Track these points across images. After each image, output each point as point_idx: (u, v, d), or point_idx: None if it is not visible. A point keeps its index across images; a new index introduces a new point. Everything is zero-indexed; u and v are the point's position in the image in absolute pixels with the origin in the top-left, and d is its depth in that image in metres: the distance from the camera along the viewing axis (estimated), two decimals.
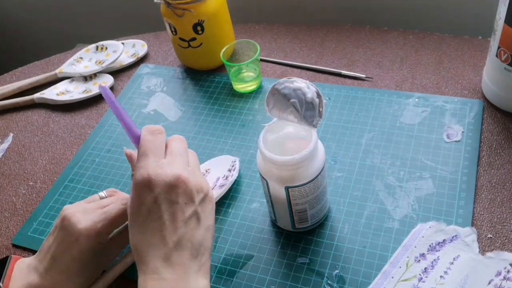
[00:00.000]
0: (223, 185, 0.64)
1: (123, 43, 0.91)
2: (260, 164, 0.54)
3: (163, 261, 0.45)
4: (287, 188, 0.53)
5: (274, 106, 0.52)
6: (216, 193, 0.63)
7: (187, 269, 0.45)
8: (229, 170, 0.66)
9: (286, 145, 0.55)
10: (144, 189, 0.46)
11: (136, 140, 0.50)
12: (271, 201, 0.57)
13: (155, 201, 0.46)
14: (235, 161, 0.67)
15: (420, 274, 0.53)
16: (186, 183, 0.47)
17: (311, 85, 0.51)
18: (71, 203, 0.69)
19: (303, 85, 0.51)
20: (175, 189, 0.46)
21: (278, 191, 0.54)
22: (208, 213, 0.49)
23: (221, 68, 0.85)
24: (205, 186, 0.49)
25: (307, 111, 0.51)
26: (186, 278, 0.45)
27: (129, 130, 0.50)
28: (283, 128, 0.55)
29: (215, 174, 0.67)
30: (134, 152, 0.54)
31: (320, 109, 0.51)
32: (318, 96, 0.51)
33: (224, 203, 0.65)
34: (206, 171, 0.67)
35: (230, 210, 0.64)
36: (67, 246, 0.53)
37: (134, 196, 0.47)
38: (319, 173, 0.53)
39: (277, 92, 0.52)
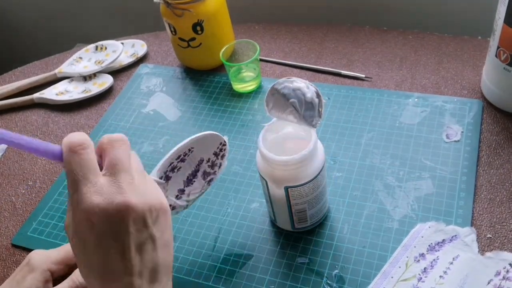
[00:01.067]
0: (210, 180, 0.57)
1: (122, 43, 0.91)
2: (260, 164, 0.54)
3: None
4: (286, 188, 0.53)
5: (273, 106, 0.52)
6: (200, 185, 0.56)
7: None
8: (215, 155, 0.57)
9: (286, 145, 0.55)
10: (83, 224, 0.39)
11: (59, 158, 0.41)
12: (271, 201, 0.57)
13: (97, 237, 0.39)
14: (224, 145, 0.57)
15: (419, 274, 0.53)
16: (135, 210, 0.39)
17: (311, 85, 0.51)
18: None
19: (303, 85, 0.51)
20: (122, 221, 0.39)
21: (278, 191, 0.54)
22: (163, 229, 0.42)
23: (220, 68, 0.85)
24: (156, 202, 0.42)
25: (307, 111, 0.51)
26: None
27: (45, 152, 0.42)
28: (282, 128, 0.55)
29: (199, 155, 0.57)
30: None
31: (320, 109, 0.51)
32: (318, 96, 0.51)
33: (223, 202, 0.65)
34: (189, 150, 0.55)
35: (229, 210, 0.64)
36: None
37: (75, 233, 0.40)
38: (319, 173, 0.53)
39: (276, 92, 0.52)
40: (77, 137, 0.41)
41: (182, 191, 0.55)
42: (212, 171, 0.57)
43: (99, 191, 0.38)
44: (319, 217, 0.59)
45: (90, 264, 0.40)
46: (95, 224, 0.38)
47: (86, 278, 0.41)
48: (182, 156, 0.55)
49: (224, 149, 0.57)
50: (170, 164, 0.54)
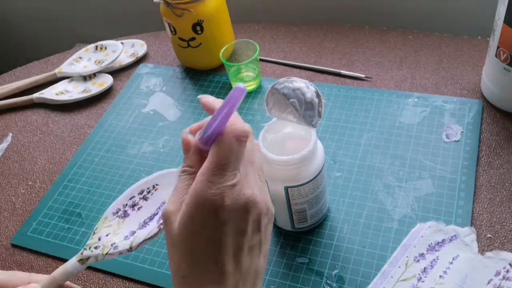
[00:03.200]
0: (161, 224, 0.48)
1: (122, 43, 0.91)
2: None
3: None
4: (286, 188, 0.53)
5: (273, 106, 0.52)
6: (153, 230, 0.48)
7: None
8: None
9: (286, 145, 0.55)
10: (210, 212, 0.36)
11: (210, 139, 0.38)
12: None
13: (221, 228, 0.37)
14: None
15: (419, 274, 0.53)
16: (257, 207, 0.37)
17: (311, 85, 0.52)
18: (70, 202, 0.69)
19: (303, 85, 0.51)
20: (245, 216, 0.37)
21: (278, 190, 0.54)
22: (268, 237, 0.41)
23: (220, 68, 0.85)
24: (270, 205, 0.40)
25: (306, 111, 0.51)
26: None
27: (220, 124, 0.38)
28: (282, 128, 0.55)
29: (161, 194, 0.51)
30: (194, 141, 0.40)
31: (320, 109, 0.51)
32: (318, 96, 0.51)
33: None
34: (153, 187, 0.51)
35: None
36: None
37: (195, 216, 0.36)
38: (319, 173, 0.53)
39: (276, 92, 0.52)
40: (243, 128, 0.38)
41: (133, 233, 0.50)
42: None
43: (237, 185, 0.37)
44: (319, 217, 0.59)
45: (197, 260, 0.37)
46: (218, 215, 0.36)
47: (182, 277, 0.38)
48: (145, 193, 0.51)
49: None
50: (131, 198, 0.51)
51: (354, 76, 0.79)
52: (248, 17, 1.02)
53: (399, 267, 0.54)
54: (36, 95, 0.85)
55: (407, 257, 0.55)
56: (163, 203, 0.50)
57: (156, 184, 0.51)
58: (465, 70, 0.76)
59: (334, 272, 0.56)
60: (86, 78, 0.87)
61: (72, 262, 0.50)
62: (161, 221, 0.48)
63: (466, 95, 0.72)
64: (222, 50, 0.77)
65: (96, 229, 0.51)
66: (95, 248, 0.50)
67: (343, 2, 0.96)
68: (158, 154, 0.73)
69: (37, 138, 0.80)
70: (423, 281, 0.53)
